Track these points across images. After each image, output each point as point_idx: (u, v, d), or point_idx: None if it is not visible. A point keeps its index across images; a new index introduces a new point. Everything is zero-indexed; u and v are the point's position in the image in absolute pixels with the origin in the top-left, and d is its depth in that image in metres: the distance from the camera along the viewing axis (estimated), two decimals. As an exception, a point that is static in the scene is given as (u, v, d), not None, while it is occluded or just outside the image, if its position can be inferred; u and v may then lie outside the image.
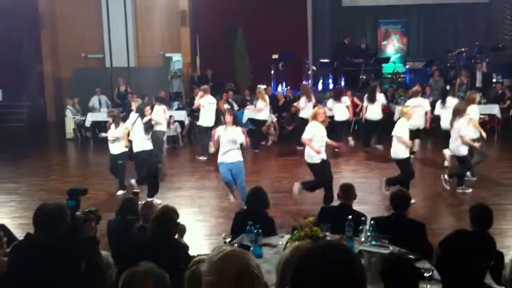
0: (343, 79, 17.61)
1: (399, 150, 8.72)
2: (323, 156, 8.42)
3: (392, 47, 19.83)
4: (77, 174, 12.10)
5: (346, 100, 13.17)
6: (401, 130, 8.70)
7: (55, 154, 14.76)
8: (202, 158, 12.23)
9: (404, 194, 5.64)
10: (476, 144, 9.19)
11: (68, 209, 3.79)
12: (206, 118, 12.58)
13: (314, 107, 13.10)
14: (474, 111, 9.83)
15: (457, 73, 16.74)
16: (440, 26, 19.48)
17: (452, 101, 10.76)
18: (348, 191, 5.94)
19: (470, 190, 9.21)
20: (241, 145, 8.46)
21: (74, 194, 3.95)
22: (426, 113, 11.73)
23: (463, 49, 17.45)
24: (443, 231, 5.41)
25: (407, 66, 18.62)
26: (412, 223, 5.42)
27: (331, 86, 17.65)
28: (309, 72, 18.54)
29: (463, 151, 9.18)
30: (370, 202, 8.66)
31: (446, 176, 9.27)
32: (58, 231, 3.70)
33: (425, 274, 4.11)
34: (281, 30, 17.83)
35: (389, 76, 18.34)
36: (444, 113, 10.83)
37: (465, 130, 9.10)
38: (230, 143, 8.34)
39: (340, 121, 12.95)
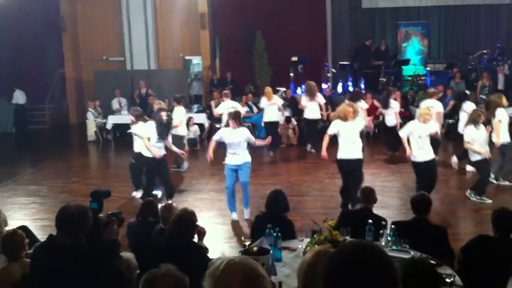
0: (362, 82, 17.52)
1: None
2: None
3: (413, 49, 19.68)
4: (98, 176, 12.21)
5: (362, 104, 12.94)
6: (402, 130, 8.65)
7: (76, 156, 14.91)
8: None
9: (425, 198, 5.57)
10: (484, 152, 8.73)
11: (90, 211, 3.81)
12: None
13: (321, 108, 13.10)
14: (502, 114, 9.48)
15: (478, 75, 16.56)
16: (461, 27, 19.32)
17: (471, 106, 10.62)
18: (368, 195, 5.91)
19: (490, 201, 8.73)
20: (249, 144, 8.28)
21: (97, 196, 3.96)
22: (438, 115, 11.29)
23: (484, 51, 17.27)
24: (465, 236, 5.36)
25: (428, 68, 18.47)
26: (433, 227, 5.36)
27: (350, 88, 17.57)
28: (328, 75, 18.49)
29: (475, 157, 8.89)
30: (390, 206, 8.62)
31: (468, 191, 9.01)
32: (80, 233, 3.73)
33: (446, 280, 4.07)
34: (300, 33, 17.85)
35: (410, 78, 18.22)
36: (462, 118, 10.83)
37: (469, 137, 8.77)
38: (236, 145, 8.15)
39: None
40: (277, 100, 13.38)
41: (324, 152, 8.46)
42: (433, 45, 19.98)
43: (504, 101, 9.82)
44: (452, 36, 19.80)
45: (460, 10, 19.31)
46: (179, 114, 11.59)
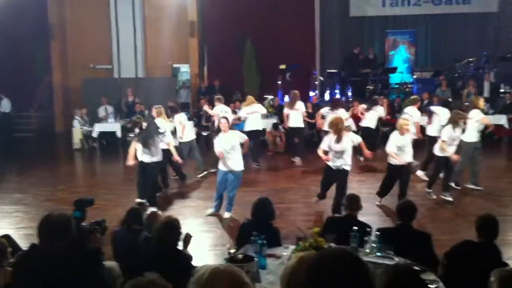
0: (350, 90, 17.60)
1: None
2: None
3: (400, 57, 19.80)
4: (84, 185, 12.13)
5: (342, 112, 12.81)
6: (389, 145, 8.87)
7: (62, 165, 14.82)
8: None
9: (411, 205, 5.61)
10: (454, 156, 9.15)
11: (73, 220, 3.80)
12: None
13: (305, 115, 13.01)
14: (473, 114, 9.90)
15: (464, 83, 16.71)
16: (448, 35, 19.44)
17: (437, 108, 11.09)
18: (353, 202, 5.94)
19: (451, 199, 9.28)
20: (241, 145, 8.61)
21: (80, 205, 3.96)
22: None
23: (471, 59, 17.42)
24: (449, 242, 5.36)
25: (415, 76, 18.60)
26: (417, 233, 5.40)
27: (338, 96, 17.65)
28: (316, 83, 18.55)
29: (438, 152, 9.37)
30: (376, 212, 8.66)
31: (426, 189, 9.56)
32: (63, 241, 3.70)
33: (430, 286, 4.08)
34: (289, 41, 17.90)
35: (397, 86, 18.31)
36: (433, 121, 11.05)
37: (446, 136, 9.19)
38: (230, 149, 8.45)
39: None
40: (259, 108, 12.97)
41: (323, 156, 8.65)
42: (420, 53, 20.12)
43: (481, 103, 10.09)
44: (439, 44, 19.92)
45: (447, 18, 19.45)
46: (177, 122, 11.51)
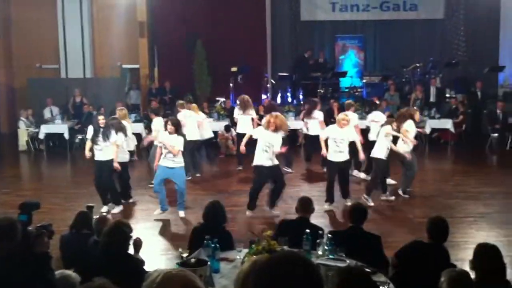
0: (301, 93, 17.77)
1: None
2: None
3: (350, 61, 20.09)
4: (30, 187, 11.80)
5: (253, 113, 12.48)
6: (323, 133, 9.56)
7: (7, 167, 14.33)
8: (198, 174, 11.85)
9: (362, 207, 5.70)
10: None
11: (19, 224, 3.69)
12: (189, 132, 11.20)
13: (253, 120, 12.33)
14: (409, 124, 9.92)
15: (412, 88, 17.11)
16: (396, 41, 19.83)
17: (376, 115, 11.22)
18: (306, 205, 5.97)
19: (393, 198, 9.67)
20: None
21: (26, 209, 3.85)
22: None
23: (418, 64, 17.83)
24: (398, 244, 5.47)
25: (364, 81, 18.90)
26: (369, 236, 5.47)
27: (289, 99, 17.79)
28: (268, 86, 18.63)
29: (380, 154, 9.52)
30: (328, 215, 8.75)
31: (365, 195, 9.47)
32: (9, 246, 3.60)
33: (380, 287, 4.14)
34: (240, 43, 17.88)
35: (347, 90, 18.59)
36: (372, 126, 11.17)
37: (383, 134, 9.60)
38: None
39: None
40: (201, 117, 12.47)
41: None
42: (369, 58, 20.47)
43: (417, 115, 10.39)
44: (387, 50, 20.27)
45: (395, 24, 19.84)
46: (157, 125, 11.05)
